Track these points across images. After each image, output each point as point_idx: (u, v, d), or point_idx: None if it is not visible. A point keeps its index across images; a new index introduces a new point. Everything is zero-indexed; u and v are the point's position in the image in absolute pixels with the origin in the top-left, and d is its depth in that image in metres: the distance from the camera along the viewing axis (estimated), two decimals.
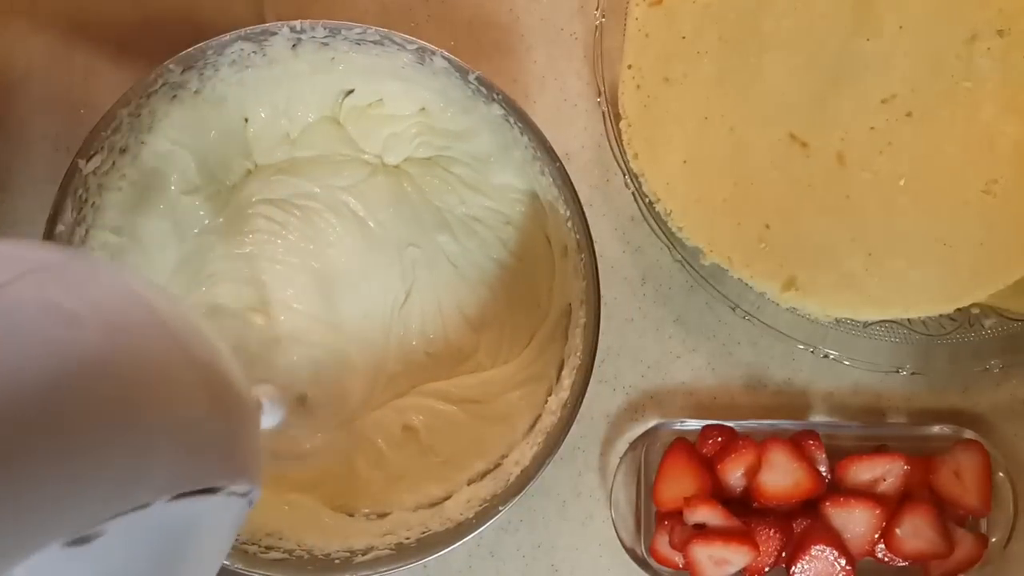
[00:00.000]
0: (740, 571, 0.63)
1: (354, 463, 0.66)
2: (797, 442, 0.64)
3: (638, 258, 0.69)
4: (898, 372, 0.64)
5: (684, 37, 0.62)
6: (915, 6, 0.59)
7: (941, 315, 0.62)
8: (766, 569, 0.63)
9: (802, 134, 0.61)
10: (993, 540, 0.65)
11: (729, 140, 0.61)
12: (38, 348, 0.34)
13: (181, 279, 0.66)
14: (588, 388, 0.59)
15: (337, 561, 0.60)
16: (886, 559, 0.64)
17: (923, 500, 0.63)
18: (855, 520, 0.63)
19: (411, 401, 0.66)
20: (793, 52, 0.61)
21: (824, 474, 0.64)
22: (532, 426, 0.63)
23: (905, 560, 0.64)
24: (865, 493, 0.63)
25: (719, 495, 0.64)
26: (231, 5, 0.70)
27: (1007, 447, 0.67)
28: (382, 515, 0.64)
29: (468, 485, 0.63)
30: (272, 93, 0.64)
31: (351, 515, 0.64)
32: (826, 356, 0.64)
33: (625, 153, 0.63)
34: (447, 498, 0.63)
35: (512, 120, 0.59)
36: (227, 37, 0.58)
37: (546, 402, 0.63)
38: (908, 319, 0.63)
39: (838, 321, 0.63)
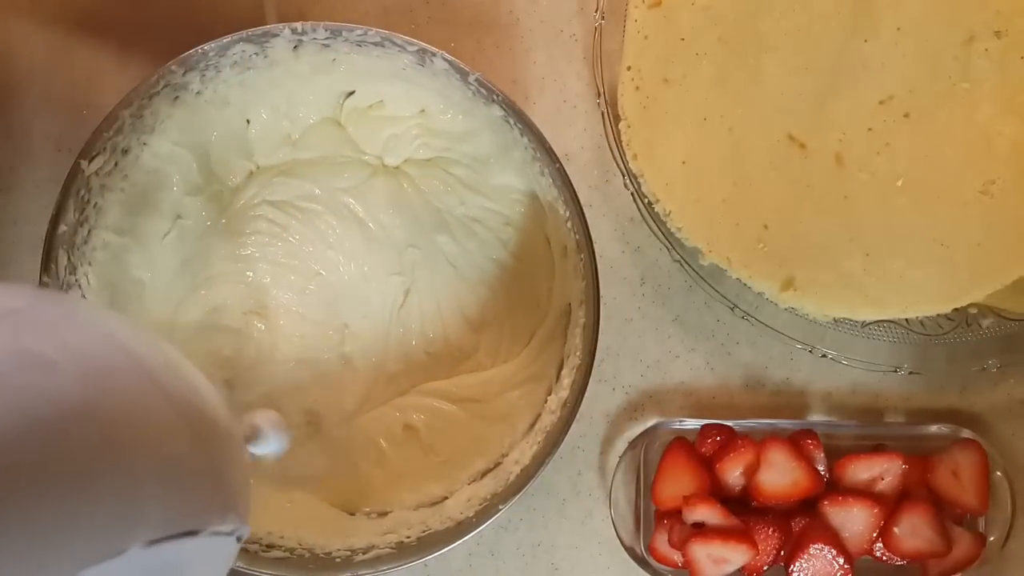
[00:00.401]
0: (739, 570, 0.63)
1: (355, 462, 0.66)
2: (796, 441, 0.64)
3: (637, 258, 0.70)
4: (896, 372, 0.64)
5: (683, 39, 0.62)
6: (913, 8, 0.60)
7: (939, 315, 0.63)
8: (765, 568, 0.63)
9: (801, 135, 0.61)
10: (991, 539, 0.65)
11: (728, 141, 0.62)
12: (9, 396, 0.33)
13: (183, 281, 0.66)
14: (588, 388, 0.59)
15: (338, 560, 0.61)
16: (884, 558, 0.64)
17: (921, 499, 0.64)
18: (853, 519, 0.63)
19: (412, 400, 0.67)
20: (792, 53, 0.61)
21: (822, 473, 0.64)
22: (532, 425, 0.64)
23: (903, 559, 0.64)
24: (863, 492, 0.64)
25: (718, 494, 0.64)
26: (233, 6, 0.70)
27: (1004, 446, 0.67)
28: (383, 514, 0.64)
29: (468, 484, 0.64)
30: (273, 94, 0.64)
31: (352, 514, 0.64)
32: (824, 356, 0.64)
33: (624, 154, 0.63)
34: (447, 497, 0.63)
35: (512, 121, 0.60)
36: (229, 39, 0.59)
37: (546, 401, 0.64)
38: (906, 319, 0.64)
39: (836, 321, 0.63)
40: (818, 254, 0.61)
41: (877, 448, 0.66)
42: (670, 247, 0.63)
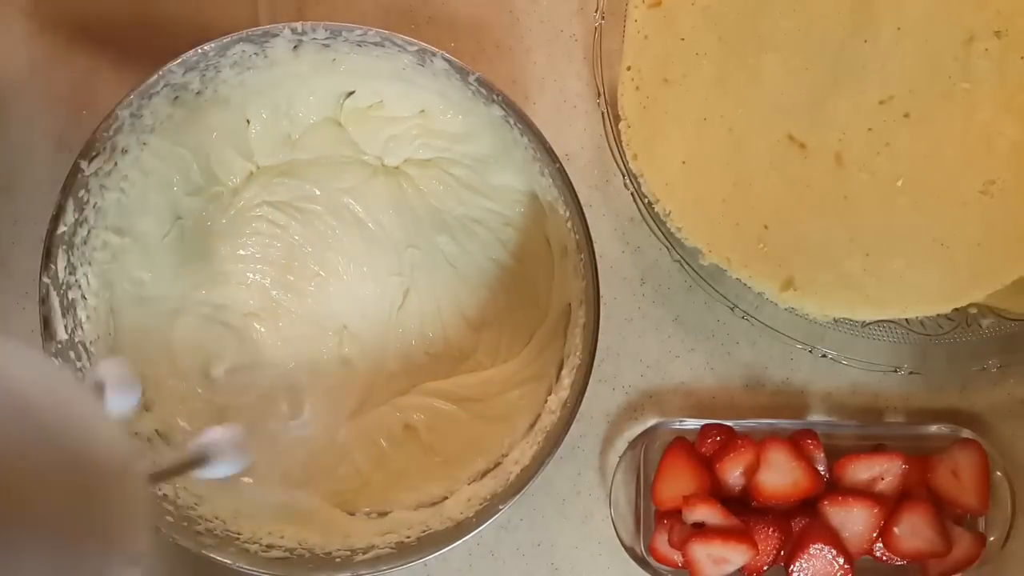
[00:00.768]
0: (739, 570, 0.63)
1: (355, 462, 0.66)
2: (796, 441, 0.64)
3: (638, 258, 0.70)
4: (896, 372, 0.64)
5: (683, 39, 0.62)
6: (913, 8, 0.60)
7: (939, 315, 0.63)
8: (765, 568, 0.63)
9: (800, 135, 0.61)
10: (991, 539, 0.65)
11: (728, 141, 0.62)
12: None
13: (182, 281, 0.66)
14: (588, 386, 0.59)
15: (338, 560, 0.61)
16: (884, 558, 0.64)
17: (921, 499, 0.64)
18: (853, 519, 0.63)
19: (412, 400, 0.67)
20: (791, 53, 0.61)
21: (822, 473, 0.64)
22: (532, 425, 0.64)
23: (903, 559, 0.64)
24: (863, 492, 0.64)
25: (718, 494, 0.64)
26: (233, 7, 0.70)
27: (1004, 446, 0.67)
28: (383, 514, 0.64)
29: (468, 484, 0.64)
30: (274, 94, 0.64)
31: (352, 514, 0.64)
32: (824, 356, 0.64)
33: (624, 154, 0.63)
34: (447, 497, 0.64)
35: (512, 121, 0.60)
36: (228, 38, 0.59)
37: (546, 401, 0.64)
38: (906, 319, 0.64)
39: (836, 321, 0.63)
40: (818, 254, 0.61)
41: (877, 448, 0.66)
42: (670, 247, 0.63)
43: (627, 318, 0.70)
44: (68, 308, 0.60)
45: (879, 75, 0.60)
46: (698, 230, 0.62)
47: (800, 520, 0.64)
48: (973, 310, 0.63)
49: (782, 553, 0.64)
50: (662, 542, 0.65)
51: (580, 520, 0.70)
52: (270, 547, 0.61)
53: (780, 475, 0.63)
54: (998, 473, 0.65)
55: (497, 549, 0.70)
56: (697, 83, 0.62)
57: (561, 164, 0.59)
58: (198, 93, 0.61)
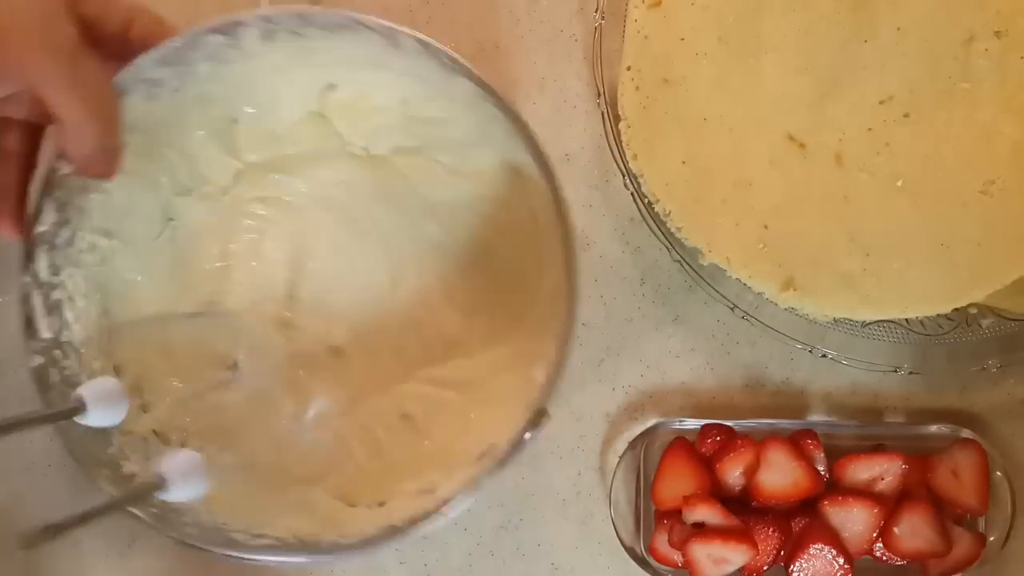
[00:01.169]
0: (739, 570, 0.63)
1: (353, 453, 0.66)
2: (795, 441, 0.64)
3: (638, 258, 0.70)
4: (896, 372, 0.64)
5: (683, 39, 0.62)
6: (913, 8, 0.60)
7: (939, 315, 0.63)
8: (765, 568, 0.64)
9: (800, 135, 0.61)
10: (991, 539, 0.65)
11: (728, 141, 0.62)
12: None
13: (175, 282, 0.66)
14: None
15: (325, 544, 0.60)
16: (884, 558, 0.64)
17: (921, 499, 0.64)
18: (853, 519, 0.63)
19: (407, 388, 0.66)
20: (791, 54, 0.61)
21: (822, 473, 0.64)
22: (524, 402, 0.63)
23: (903, 559, 0.64)
24: (863, 492, 0.64)
25: (718, 494, 0.64)
26: (233, 6, 0.70)
27: (1005, 446, 0.67)
28: (382, 503, 0.64)
29: (466, 467, 0.63)
30: (255, 90, 0.63)
31: (353, 506, 0.64)
32: (824, 356, 0.64)
33: (624, 154, 0.63)
34: (443, 482, 0.63)
35: (485, 94, 0.59)
36: (196, 29, 0.58)
37: (535, 376, 0.62)
38: (906, 319, 0.64)
39: (836, 321, 0.63)
40: (818, 254, 0.61)
41: (877, 448, 0.66)
42: (670, 247, 0.63)
43: (627, 318, 0.70)
44: (53, 308, 0.60)
45: (879, 75, 0.60)
46: (698, 230, 0.62)
47: (800, 520, 0.64)
48: (973, 310, 0.63)
49: (782, 553, 0.64)
50: (662, 542, 0.65)
51: (580, 520, 0.70)
52: (259, 536, 0.60)
53: (780, 475, 0.64)
54: (998, 473, 0.65)
55: (497, 549, 0.70)
56: (697, 83, 0.62)
57: (530, 129, 0.57)
58: (176, 90, 0.61)
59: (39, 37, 0.48)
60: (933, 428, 0.67)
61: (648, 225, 0.64)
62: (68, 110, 0.50)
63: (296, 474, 0.65)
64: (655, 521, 0.66)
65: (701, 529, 0.63)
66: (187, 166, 0.64)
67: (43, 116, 0.54)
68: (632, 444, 0.67)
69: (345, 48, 0.60)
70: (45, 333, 0.59)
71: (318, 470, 0.65)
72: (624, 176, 0.64)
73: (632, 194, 0.64)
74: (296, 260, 0.67)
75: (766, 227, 0.61)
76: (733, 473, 0.64)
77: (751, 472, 0.64)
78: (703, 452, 0.65)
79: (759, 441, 0.64)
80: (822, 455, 0.64)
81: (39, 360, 0.59)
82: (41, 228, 0.59)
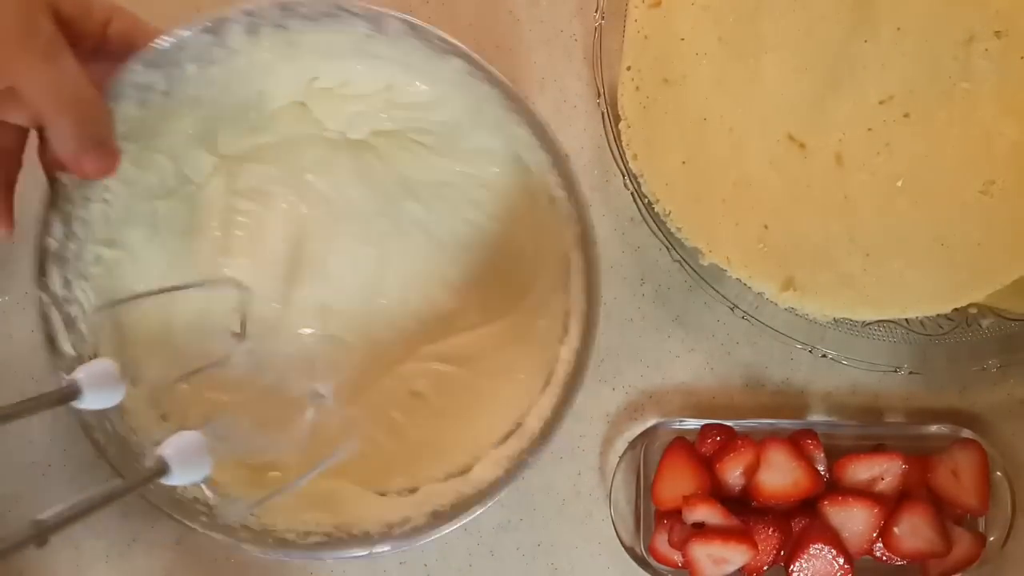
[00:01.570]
0: (739, 570, 0.63)
1: (373, 438, 0.66)
2: (796, 441, 0.64)
3: (638, 258, 0.70)
4: (896, 372, 0.64)
5: (683, 39, 0.62)
6: (913, 8, 0.60)
7: (939, 315, 0.63)
8: (765, 568, 0.64)
9: (800, 135, 0.61)
10: (991, 539, 0.65)
11: (728, 141, 0.62)
12: None
13: (170, 285, 0.66)
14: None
15: (375, 536, 0.61)
16: (884, 558, 0.64)
17: (921, 499, 0.64)
18: (853, 519, 0.63)
19: (411, 367, 0.66)
20: (791, 53, 0.61)
21: (822, 473, 0.64)
22: (548, 381, 0.63)
23: (903, 559, 0.64)
24: (863, 492, 0.64)
25: (718, 494, 0.64)
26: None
27: (1005, 446, 0.67)
28: (413, 490, 0.64)
29: (494, 449, 0.63)
30: (242, 88, 0.63)
31: (384, 495, 0.64)
32: (824, 356, 0.64)
33: (624, 154, 0.63)
34: (474, 464, 0.63)
35: (478, 74, 0.59)
36: (181, 29, 0.58)
37: (559, 354, 0.63)
38: (906, 319, 0.64)
39: (836, 321, 0.63)
40: (818, 254, 0.61)
41: (877, 448, 0.66)
42: (670, 247, 0.63)
43: (627, 318, 0.70)
44: (70, 324, 0.60)
45: (879, 75, 0.60)
46: (698, 230, 0.62)
47: (800, 520, 0.64)
48: (973, 310, 0.63)
49: (782, 553, 0.64)
50: (662, 542, 0.65)
51: (580, 520, 0.70)
52: (307, 534, 0.61)
53: (780, 475, 0.64)
54: (998, 473, 0.65)
55: (497, 549, 0.70)
56: (697, 83, 0.62)
57: (535, 113, 0.58)
58: (165, 94, 0.60)
59: (16, 35, 0.47)
60: (933, 428, 0.67)
61: (648, 225, 0.64)
62: (47, 108, 0.50)
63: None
64: (655, 521, 0.66)
65: (701, 529, 0.63)
66: (173, 169, 0.64)
67: (31, 119, 0.54)
68: (632, 444, 0.67)
69: (329, 37, 0.60)
70: (68, 350, 0.59)
71: (340, 460, 0.65)
72: (624, 176, 0.64)
73: (632, 194, 0.64)
74: (277, 250, 0.67)
75: (766, 227, 0.61)
76: (733, 473, 0.64)
77: (751, 472, 0.64)
78: (703, 452, 0.65)
79: (759, 441, 0.64)
80: (822, 455, 0.64)
81: (67, 378, 0.58)
82: (50, 242, 0.59)
